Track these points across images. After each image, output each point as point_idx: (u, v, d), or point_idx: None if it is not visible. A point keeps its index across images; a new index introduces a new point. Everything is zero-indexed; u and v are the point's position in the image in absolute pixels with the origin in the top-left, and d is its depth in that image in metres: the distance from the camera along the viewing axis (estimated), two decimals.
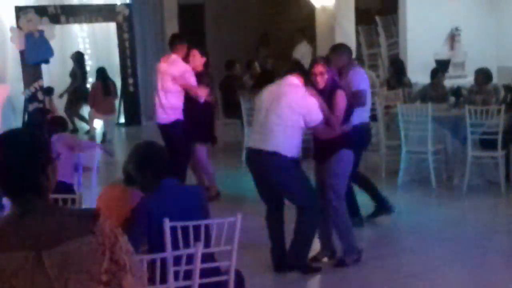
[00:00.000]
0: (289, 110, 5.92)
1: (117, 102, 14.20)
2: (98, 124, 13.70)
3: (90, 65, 14.81)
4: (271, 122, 5.96)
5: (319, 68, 6.11)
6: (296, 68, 6.29)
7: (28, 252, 2.18)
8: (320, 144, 6.26)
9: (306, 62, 14.37)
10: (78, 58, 14.15)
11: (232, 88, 12.21)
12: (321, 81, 6.10)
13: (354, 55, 13.00)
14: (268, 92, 6.17)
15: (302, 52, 14.89)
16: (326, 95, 6.11)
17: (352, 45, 13.61)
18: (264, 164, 6.01)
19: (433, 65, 12.64)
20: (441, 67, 12.60)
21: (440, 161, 9.24)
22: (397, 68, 11.64)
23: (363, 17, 15.42)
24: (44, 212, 2.27)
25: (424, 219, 7.92)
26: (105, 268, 2.24)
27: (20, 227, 2.22)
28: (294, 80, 6.11)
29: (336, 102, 6.07)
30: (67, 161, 6.87)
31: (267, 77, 11.62)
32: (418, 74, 12.01)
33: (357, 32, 14.95)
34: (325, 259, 6.53)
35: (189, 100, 8.46)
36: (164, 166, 4.43)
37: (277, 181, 6.05)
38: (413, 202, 8.63)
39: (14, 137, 2.31)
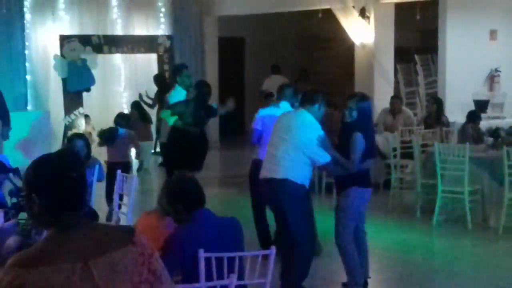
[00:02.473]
0: (296, 148, 6.10)
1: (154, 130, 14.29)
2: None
3: (130, 95, 15.00)
4: (278, 154, 6.15)
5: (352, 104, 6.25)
6: (307, 98, 6.38)
7: (75, 263, 2.23)
8: (335, 178, 6.45)
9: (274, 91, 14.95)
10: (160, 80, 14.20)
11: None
12: (349, 116, 6.22)
13: (392, 93, 13.12)
14: (279, 124, 6.36)
15: (267, 84, 15.74)
16: (347, 133, 6.24)
17: (391, 82, 13.66)
18: (275, 191, 6.15)
19: (471, 105, 12.60)
20: (480, 107, 12.56)
21: (477, 201, 9.16)
22: (438, 106, 11.61)
23: (402, 55, 15.46)
24: (86, 226, 2.36)
25: (458, 260, 7.85)
26: (144, 278, 2.32)
27: (66, 240, 2.29)
28: (306, 116, 6.21)
29: (353, 145, 6.16)
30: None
31: None
32: (456, 114, 11.97)
33: (396, 70, 14.98)
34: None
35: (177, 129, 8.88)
36: (195, 199, 4.46)
37: (282, 208, 6.14)
38: (448, 242, 8.56)
39: (70, 156, 2.43)
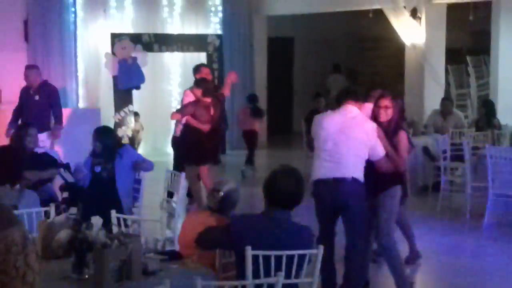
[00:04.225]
0: (358, 143, 6.00)
1: None
2: None
3: (180, 93, 15.11)
4: (342, 152, 5.99)
5: (385, 102, 6.27)
6: (351, 94, 6.27)
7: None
8: (372, 181, 6.15)
9: (334, 91, 15.20)
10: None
11: None
12: (384, 115, 6.24)
13: (442, 94, 12.96)
14: (331, 122, 6.16)
15: (329, 82, 17.27)
16: (391, 133, 6.24)
17: (441, 84, 13.49)
18: (344, 191, 5.97)
19: None
20: None
21: None
22: (488, 109, 11.44)
23: (453, 56, 15.26)
24: None
25: (509, 265, 7.71)
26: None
27: None
28: (355, 110, 6.14)
29: (400, 142, 6.24)
30: None
31: None
32: (509, 117, 11.76)
33: (447, 71, 14.79)
34: None
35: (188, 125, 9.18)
36: (278, 198, 4.40)
37: (352, 207, 6.01)
38: (498, 246, 8.41)
39: None
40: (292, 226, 4.46)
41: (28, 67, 10.72)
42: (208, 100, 9.03)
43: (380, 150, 6.07)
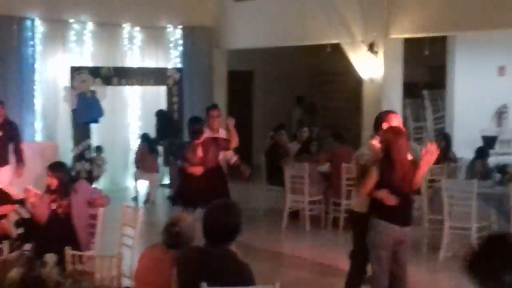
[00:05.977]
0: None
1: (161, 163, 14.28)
2: (143, 186, 13.83)
3: (139, 126, 15.09)
4: None
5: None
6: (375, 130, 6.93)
7: None
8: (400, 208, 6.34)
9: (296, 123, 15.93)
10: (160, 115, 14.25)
11: (276, 155, 12.31)
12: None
13: None
14: None
15: (294, 115, 18.31)
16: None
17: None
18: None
19: (479, 141, 12.60)
20: (488, 143, 12.56)
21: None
22: (447, 142, 11.61)
23: (410, 90, 15.47)
24: None
25: None
26: None
27: None
28: (372, 143, 6.74)
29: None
30: None
31: (310, 146, 12.16)
32: (464, 150, 11.95)
33: (404, 105, 14.98)
34: None
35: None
36: (209, 231, 4.41)
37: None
38: (454, 279, 8.48)
39: None
40: (229, 261, 4.40)
41: None
42: (196, 142, 9.08)
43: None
